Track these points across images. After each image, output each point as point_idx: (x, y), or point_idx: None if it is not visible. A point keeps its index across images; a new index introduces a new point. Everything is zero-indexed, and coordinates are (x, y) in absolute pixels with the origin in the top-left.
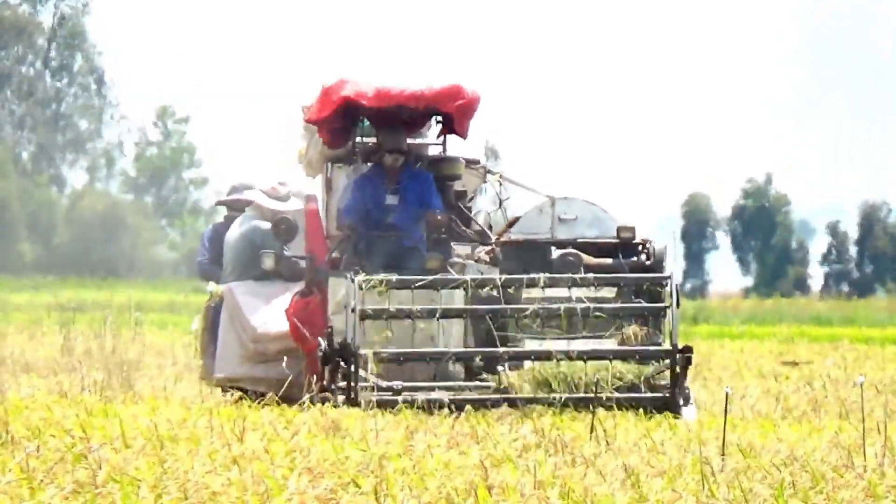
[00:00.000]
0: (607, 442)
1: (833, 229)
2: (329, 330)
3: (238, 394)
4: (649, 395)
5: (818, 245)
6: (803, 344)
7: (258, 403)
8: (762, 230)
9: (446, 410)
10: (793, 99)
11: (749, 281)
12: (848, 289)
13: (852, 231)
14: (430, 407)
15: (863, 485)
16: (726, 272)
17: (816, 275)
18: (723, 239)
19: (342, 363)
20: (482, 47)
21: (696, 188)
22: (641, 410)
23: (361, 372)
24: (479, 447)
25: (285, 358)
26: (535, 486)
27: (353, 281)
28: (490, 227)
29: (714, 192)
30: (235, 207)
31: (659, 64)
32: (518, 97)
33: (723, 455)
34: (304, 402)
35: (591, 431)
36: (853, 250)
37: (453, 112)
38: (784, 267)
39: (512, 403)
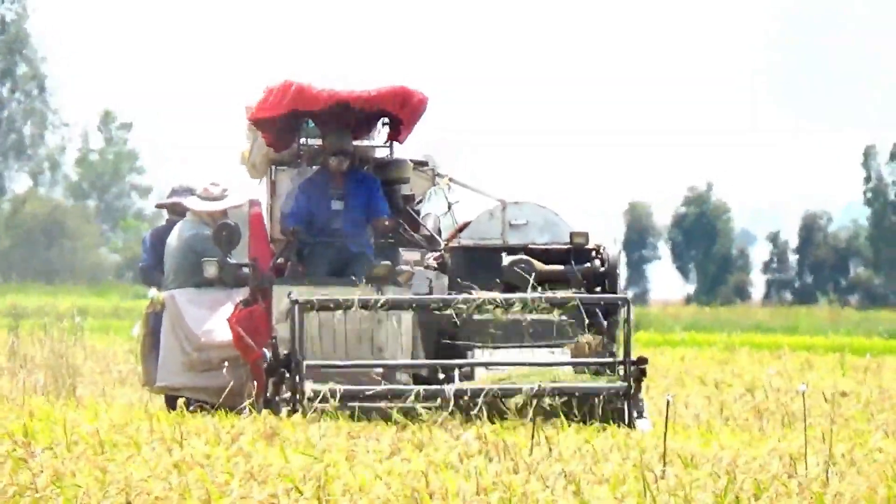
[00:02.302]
0: (549, 449)
1: (774, 238)
2: (273, 340)
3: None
4: (602, 406)
5: (759, 253)
6: (745, 352)
7: (200, 412)
8: (703, 238)
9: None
10: (734, 107)
11: (690, 289)
12: (790, 297)
13: (793, 240)
14: (373, 416)
15: (806, 493)
16: (667, 280)
17: (758, 283)
18: (663, 248)
19: (286, 374)
20: (428, 51)
21: (637, 196)
22: (592, 421)
23: (306, 384)
24: (421, 453)
25: (226, 365)
26: (476, 492)
27: (295, 304)
28: (439, 232)
29: (655, 200)
30: (175, 211)
31: (600, 72)
32: (459, 101)
33: (664, 463)
34: (243, 410)
35: (532, 438)
36: (794, 259)
37: (401, 115)
38: (724, 275)
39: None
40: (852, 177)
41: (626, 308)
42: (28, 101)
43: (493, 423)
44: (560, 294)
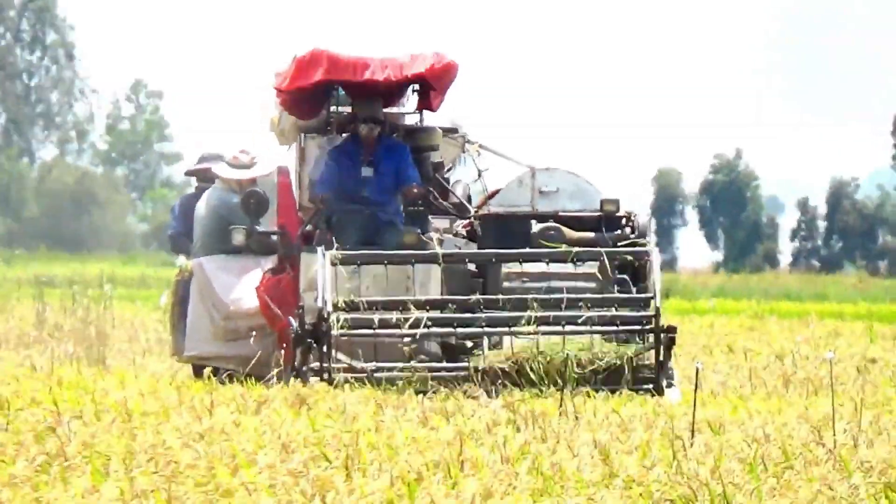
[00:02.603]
0: (576, 417)
1: (802, 206)
2: (300, 310)
3: (208, 372)
4: (632, 375)
5: (787, 221)
6: (773, 319)
7: (228, 381)
8: (732, 205)
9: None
10: (763, 74)
11: (718, 256)
12: (817, 264)
13: (821, 207)
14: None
15: (834, 460)
16: (695, 247)
17: (786, 250)
18: (691, 214)
19: (314, 344)
20: (455, 20)
21: (666, 163)
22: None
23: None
24: (448, 422)
25: (255, 334)
26: (504, 462)
27: (324, 256)
28: (469, 200)
29: (684, 167)
30: (205, 178)
31: (629, 39)
32: (487, 69)
33: (693, 431)
34: (270, 379)
35: (560, 407)
36: (822, 226)
37: (432, 81)
38: (753, 242)
39: (487, 383)
40: (880, 143)
41: (652, 264)
42: (56, 69)
43: (521, 390)
44: (586, 249)
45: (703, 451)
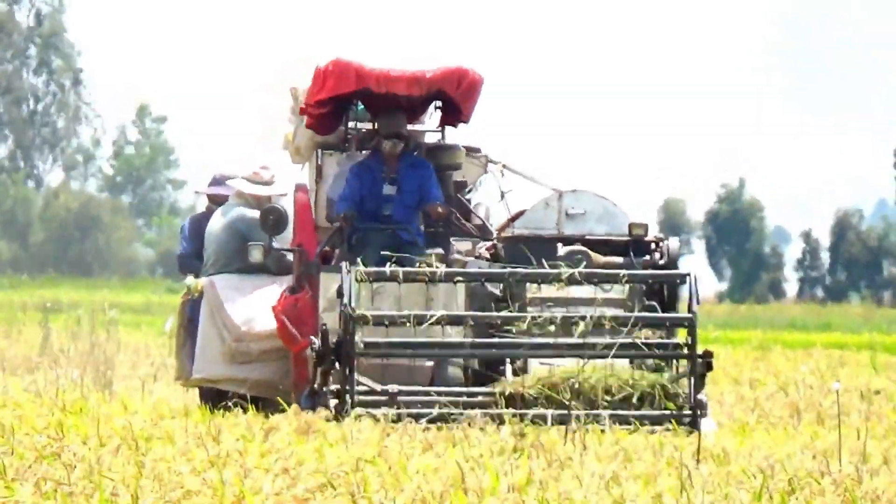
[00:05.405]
0: (584, 446)
1: (806, 236)
2: (324, 327)
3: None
4: (665, 405)
5: (793, 250)
6: (778, 350)
7: (237, 406)
8: (736, 235)
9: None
10: (768, 104)
11: (723, 286)
12: (822, 294)
13: (825, 237)
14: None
15: (839, 491)
16: (700, 277)
17: (791, 280)
18: (697, 244)
19: (336, 364)
20: (461, 35)
21: (672, 193)
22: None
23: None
24: (454, 450)
25: (270, 359)
26: (510, 490)
27: (348, 272)
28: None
29: (689, 197)
30: (216, 200)
31: (632, 67)
32: (492, 92)
33: (697, 461)
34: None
35: (566, 436)
36: (826, 257)
37: (456, 96)
38: (758, 272)
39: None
40: (882, 174)
41: (690, 286)
42: (62, 94)
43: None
44: (618, 272)
45: (710, 481)
